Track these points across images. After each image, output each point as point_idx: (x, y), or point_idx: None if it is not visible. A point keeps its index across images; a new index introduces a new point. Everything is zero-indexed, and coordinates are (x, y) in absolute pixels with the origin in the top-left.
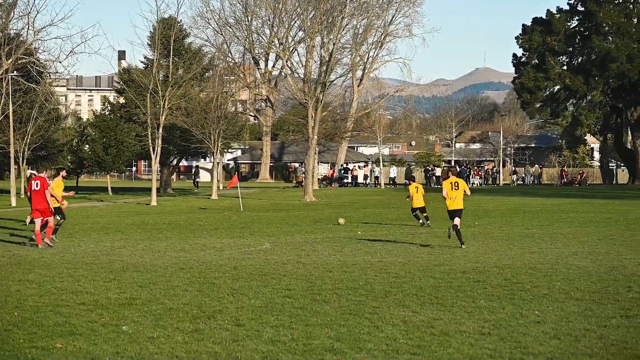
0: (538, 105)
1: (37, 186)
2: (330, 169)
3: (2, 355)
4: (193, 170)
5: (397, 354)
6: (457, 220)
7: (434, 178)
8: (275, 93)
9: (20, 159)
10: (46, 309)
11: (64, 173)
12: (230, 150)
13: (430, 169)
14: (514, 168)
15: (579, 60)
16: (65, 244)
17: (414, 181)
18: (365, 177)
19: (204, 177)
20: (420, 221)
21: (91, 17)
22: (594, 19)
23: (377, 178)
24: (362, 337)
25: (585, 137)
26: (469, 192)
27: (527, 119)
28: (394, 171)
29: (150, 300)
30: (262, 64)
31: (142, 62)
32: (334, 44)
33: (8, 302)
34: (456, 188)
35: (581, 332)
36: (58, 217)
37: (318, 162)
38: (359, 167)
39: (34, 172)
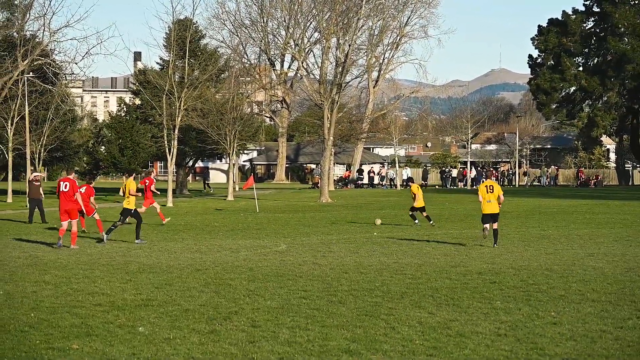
0: (554, 106)
1: (65, 188)
2: (347, 170)
3: (18, 357)
4: (203, 172)
5: (413, 355)
6: (495, 225)
7: (450, 179)
8: (291, 94)
9: (37, 160)
10: (62, 310)
11: (149, 176)
12: (246, 151)
13: (446, 170)
14: (525, 169)
15: (595, 61)
16: (80, 245)
17: (414, 182)
18: (382, 178)
19: (220, 178)
20: (416, 221)
21: (107, 18)
22: (609, 20)
23: (392, 179)
24: (378, 338)
25: (601, 138)
26: (502, 198)
27: (543, 120)
28: (407, 172)
29: (167, 302)
30: (277, 65)
31: (158, 63)
32: (349, 45)
33: (24, 303)
34: (491, 191)
35: (597, 333)
36: (123, 218)
37: (334, 164)
38: (376, 169)
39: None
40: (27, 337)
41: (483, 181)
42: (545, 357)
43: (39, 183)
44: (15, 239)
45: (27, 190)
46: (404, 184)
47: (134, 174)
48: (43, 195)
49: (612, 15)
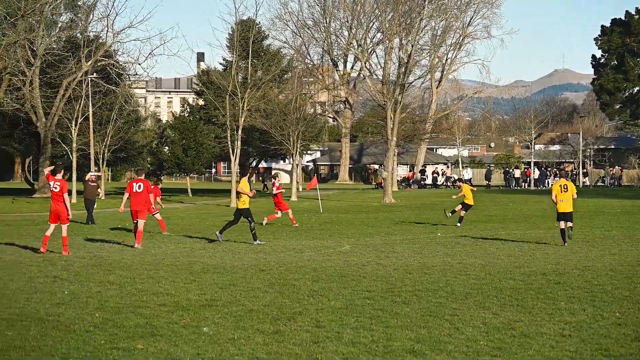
0: (617, 106)
1: (139, 188)
2: (410, 170)
3: (83, 356)
4: (262, 173)
5: (478, 355)
6: (568, 224)
7: (514, 180)
8: (354, 95)
9: (100, 160)
10: (127, 310)
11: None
12: (309, 152)
13: (510, 170)
14: (586, 170)
15: None
16: (145, 245)
17: (464, 182)
18: (447, 178)
19: (283, 179)
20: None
21: (170, 19)
22: None
23: (454, 180)
24: (443, 338)
25: None
26: (575, 196)
27: (606, 120)
28: (468, 173)
29: (231, 302)
30: (340, 66)
31: (221, 64)
32: (412, 46)
33: (89, 304)
34: (565, 190)
35: None
36: (250, 219)
37: (397, 164)
38: (442, 170)
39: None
40: (92, 337)
41: (557, 180)
42: (610, 358)
43: (94, 184)
44: (86, 239)
45: (83, 191)
46: (452, 184)
47: (248, 174)
48: (101, 196)
49: None
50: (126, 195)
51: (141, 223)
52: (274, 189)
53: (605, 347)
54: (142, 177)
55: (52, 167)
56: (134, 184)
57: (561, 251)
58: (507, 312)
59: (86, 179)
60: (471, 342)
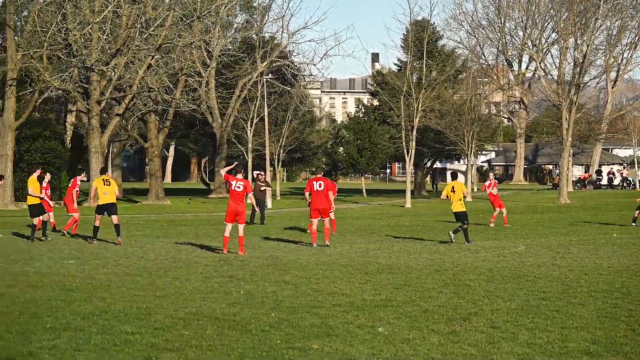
0: None
1: (320, 187)
2: (585, 172)
3: (259, 356)
4: (431, 173)
5: None
6: None
7: None
8: (528, 95)
9: (275, 161)
10: (302, 310)
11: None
12: (484, 152)
13: None
14: None
15: None
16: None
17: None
18: (624, 179)
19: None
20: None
21: (345, 19)
22: None
23: (630, 180)
24: (619, 340)
25: None
26: None
27: None
28: None
29: (406, 302)
30: (515, 66)
31: (395, 64)
32: (587, 46)
33: (265, 303)
34: None
35: None
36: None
37: (572, 164)
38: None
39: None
40: (268, 336)
41: None
42: None
43: (263, 183)
44: (263, 238)
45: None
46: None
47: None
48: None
49: None
50: (307, 194)
51: (326, 220)
52: (489, 188)
53: None
54: (321, 174)
55: (229, 167)
56: (314, 182)
57: None
58: None
59: (254, 177)
60: None
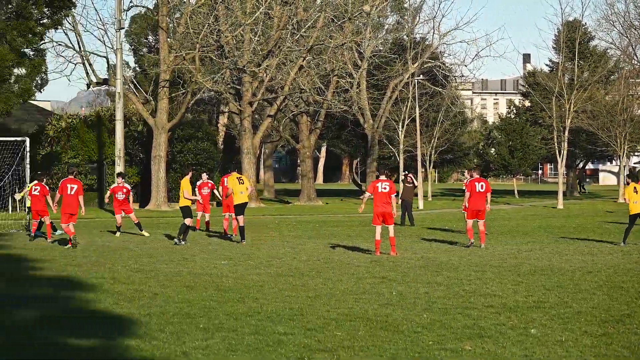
0: None
1: (482, 188)
2: None
3: (411, 357)
4: (578, 173)
5: None
6: None
7: None
8: None
9: (427, 162)
10: (454, 311)
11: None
12: (636, 153)
13: None
14: None
15: None
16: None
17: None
18: None
19: (610, 180)
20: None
21: (496, 20)
22: None
23: None
24: None
25: None
26: None
27: None
28: None
29: (558, 304)
30: None
31: (547, 65)
32: None
33: (417, 304)
34: None
35: None
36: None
37: None
38: None
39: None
40: (420, 337)
41: None
42: None
43: (411, 184)
44: (415, 239)
45: (401, 191)
46: None
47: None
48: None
49: None
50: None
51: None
52: None
53: None
54: (478, 173)
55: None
56: (476, 183)
57: None
58: None
59: (402, 178)
60: None
